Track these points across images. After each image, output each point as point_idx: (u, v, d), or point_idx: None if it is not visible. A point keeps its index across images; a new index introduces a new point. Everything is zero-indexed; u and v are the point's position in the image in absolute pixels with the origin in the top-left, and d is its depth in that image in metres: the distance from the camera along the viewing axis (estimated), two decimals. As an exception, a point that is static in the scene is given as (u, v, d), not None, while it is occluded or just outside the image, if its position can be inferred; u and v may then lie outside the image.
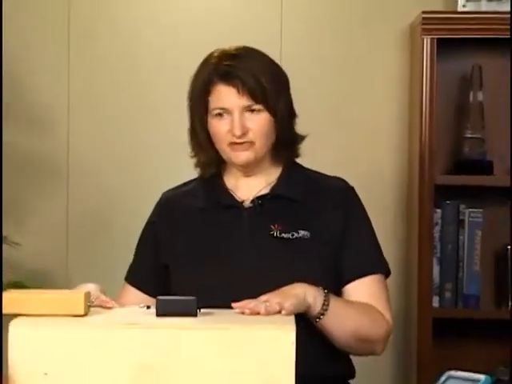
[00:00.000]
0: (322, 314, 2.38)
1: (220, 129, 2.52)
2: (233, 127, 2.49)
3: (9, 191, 3.74)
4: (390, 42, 3.75)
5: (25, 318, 2.14)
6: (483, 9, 3.55)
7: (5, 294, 2.19)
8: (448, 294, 3.61)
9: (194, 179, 2.68)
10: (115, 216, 3.73)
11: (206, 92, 2.52)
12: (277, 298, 2.23)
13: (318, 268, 2.50)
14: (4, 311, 2.15)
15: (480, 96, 3.62)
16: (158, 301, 2.21)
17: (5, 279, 3.29)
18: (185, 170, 2.67)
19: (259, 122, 2.51)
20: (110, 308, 2.32)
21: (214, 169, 2.62)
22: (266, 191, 2.58)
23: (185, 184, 2.70)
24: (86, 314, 2.19)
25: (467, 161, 3.61)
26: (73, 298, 2.20)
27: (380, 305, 2.54)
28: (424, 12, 3.51)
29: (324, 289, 2.39)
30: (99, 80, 3.78)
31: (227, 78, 2.49)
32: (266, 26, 3.75)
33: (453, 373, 2.24)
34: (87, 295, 2.21)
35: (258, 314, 2.17)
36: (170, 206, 2.66)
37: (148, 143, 3.76)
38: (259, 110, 2.51)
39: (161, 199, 2.70)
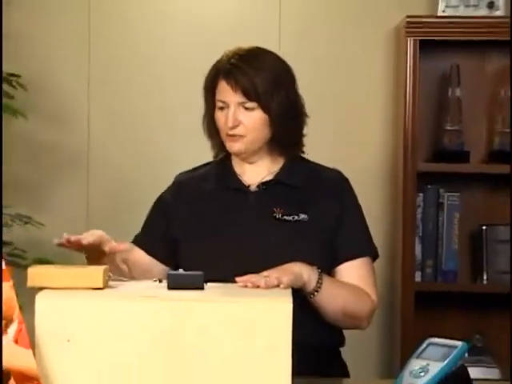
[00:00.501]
0: (316, 291, 2.40)
1: (220, 120, 2.54)
2: (227, 119, 2.51)
3: (34, 177, 3.75)
4: (377, 43, 3.75)
5: (49, 290, 2.15)
6: (461, 13, 3.55)
7: (31, 269, 2.19)
8: (429, 270, 3.62)
9: (207, 163, 2.69)
10: (131, 199, 3.73)
11: (213, 86, 2.55)
12: (276, 274, 2.25)
13: (315, 248, 2.51)
14: (31, 284, 2.16)
15: (458, 92, 3.62)
16: (169, 275, 2.22)
17: (30, 256, 3.31)
18: (196, 156, 2.69)
19: (251, 119, 2.52)
20: (122, 250, 2.33)
21: (224, 152, 2.63)
22: (269, 178, 2.59)
23: (197, 168, 2.70)
24: (104, 287, 2.20)
25: (446, 150, 3.62)
26: (92, 272, 2.21)
27: (367, 286, 2.56)
28: (408, 16, 3.51)
29: (318, 268, 2.41)
30: (117, 75, 3.78)
31: (227, 75, 2.51)
32: (265, 27, 3.75)
33: (433, 340, 2.24)
34: (106, 270, 2.22)
35: (259, 287, 2.19)
36: (183, 187, 2.66)
37: (162, 132, 3.76)
38: (253, 108, 2.52)
39: (175, 181, 2.70)
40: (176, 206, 2.63)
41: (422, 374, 2.15)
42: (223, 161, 2.64)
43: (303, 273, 2.37)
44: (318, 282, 2.41)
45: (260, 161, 2.61)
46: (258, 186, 2.58)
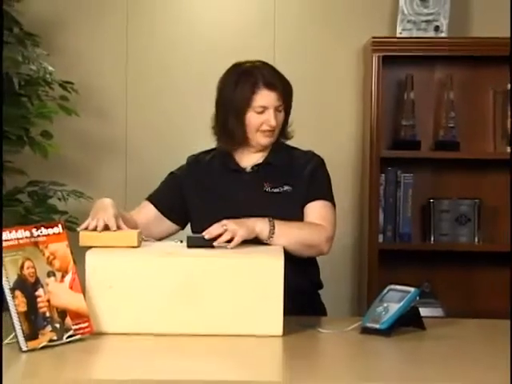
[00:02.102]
0: (271, 237, 2.36)
1: (257, 120, 2.49)
2: (269, 120, 2.48)
3: (84, 162, 3.75)
4: (350, 57, 3.72)
5: (96, 249, 2.16)
6: (414, 35, 3.53)
7: (82, 233, 2.20)
8: (389, 233, 3.61)
9: (211, 149, 2.65)
10: (160, 176, 3.71)
11: (252, 93, 2.48)
12: (233, 226, 2.28)
13: (297, 211, 2.50)
14: (82, 244, 2.17)
15: (412, 95, 3.61)
16: (187, 237, 2.24)
17: (81, 222, 3.29)
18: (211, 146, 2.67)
19: (280, 118, 2.53)
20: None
21: (236, 147, 2.58)
22: (260, 161, 2.58)
23: (204, 152, 2.66)
24: (138, 246, 2.20)
25: (403, 140, 3.61)
26: (129, 234, 2.22)
27: (324, 221, 2.49)
28: (373, 37, 3.49)
29: (271, 219, 2.38)
30: (149, 80, 3.75)
31: (269, 85, 2.48)
32: (261, 36, 3.73)
33: (392, 286, 2.24)
34: (139, 233, 2.23)
35: (220, 235, 2.25)
36: (195, 166, 2.62)
37: (186, 125, 3.73)
38: (281, 110, 2.52)
39: (188, 161, 2.66)
40: (187, 181, 2.59)
41: (384, 313, 2.16)
42: (225, 150, 2.60)
43: (256, 226, 2.34)
44: (270, 231, 2.36)
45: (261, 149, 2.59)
46: (251, 168, 2.57)
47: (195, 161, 2.65)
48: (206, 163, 2.62)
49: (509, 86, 3.56)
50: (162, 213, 2.59)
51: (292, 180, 2.53)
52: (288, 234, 2.39)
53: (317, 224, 2.47)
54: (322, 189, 2.56)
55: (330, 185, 2.59)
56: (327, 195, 2.56)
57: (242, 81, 2.50)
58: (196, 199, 2.57)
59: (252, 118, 2.50)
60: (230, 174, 2.57)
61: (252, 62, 2.56)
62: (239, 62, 2.57)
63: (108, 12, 3.74)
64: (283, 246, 2.32)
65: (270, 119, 2.48)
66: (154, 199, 2.62)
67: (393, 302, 2.18)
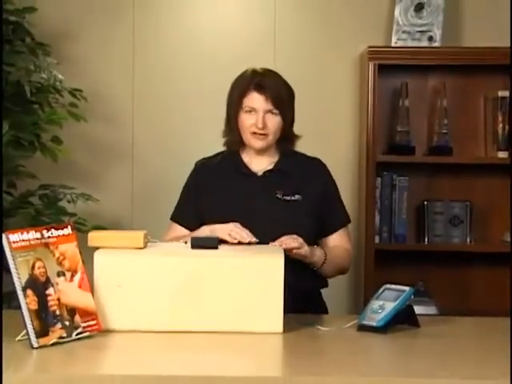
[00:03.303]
0: (322, 266, 2.47)
1: (247, 121, 2.51)
2: (257, 122, 2.49)
3: (92, 166, 3.74)
4: (347, 66, 3.72)
5: (104, 249, 2.15)
6: (409, 44, 3.54)
7: (90, 234, 2.19)
8: (385, 234, 3.61)
9: (219, 153, 2.64)
10: (165, 181, 3.71)
11: (243, 95, 2.51)
12: (302, 240, 2.35)
13: (306, 220, 2.51)
14: (90, 245, 2.16)
15: (406, 102, 3.60)
16: (192, 238, 2.23)
17: (90, 224, 3.30)
18: (217, 150, 2.66)
19: (274, 122, 2.51)
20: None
21: (237, 147, 2.59)
22: (270, 167, 2.57)
23: (212, 156, 2.65)
24: (144, 247, 2.20)
25: (398, 146, 3.60)
26: (135, 236, 2.21)
27: (347, 243, 2.62)
28: (369, 46, 3.49)
29: (325, 253, 2.48)
30: (154, 88, 3.75)
31: (259, 88, 2.49)
32: (262, 45, 3.73)
33: (388, 286, 2.24)
34: (145, 234, 2.22)
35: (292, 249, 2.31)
36: (204, 170, 2.61)
37: (190, 132, 3.73)
38: (276, 114, 2.51)
39: (195, 166, 2.64)
40: (199, 185, 2.58)
41: (380, 311, 2.15)
42: (233, 152, 2.60)
43: (315, 253, 2.44)
44: (323, 263, 2.47)
45: (266, 153, 2.58)
46: (263, 173, 2.56)
47: (203, 164, 2.64)
48: (215, 165, 2.60)
49: (499, 93, 3.56)
50: (191, 229, 2.54)
51: (303, 190, 2.54)
52: (332, 263, 2.51)
53: (346, 249, 2.61)
54: (342, 211, 2.64)
55: (340, 196, 2.66)
56: (344, 216, 2.65)
57: (235, 84, 2.56)
58: (209, 200, 2.55)
59: (243, 119, 2.52)
60: (240, 177, 2.56)
61: (256, 68, 2.56)
62: (248, 68, 2.59)
63: (115, 22, 3.74)
64: (323, 273, 2.49)
65: (258, 121, 2.48)
66: (179, 219, 2.60)
67: (388, 300, 2.17)
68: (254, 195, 2.52)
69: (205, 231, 2.43)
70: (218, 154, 2.64)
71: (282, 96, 2.52)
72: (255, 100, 2.50)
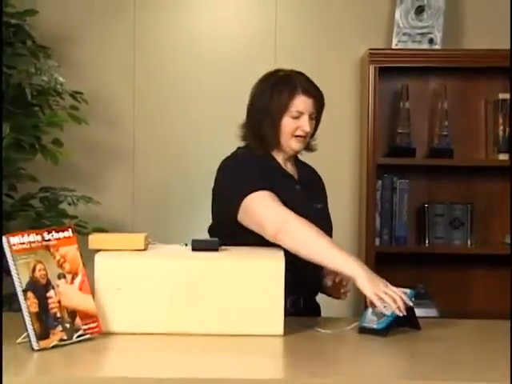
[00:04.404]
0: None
1: (292, 125, 2.43)
2: (304, 125, 2.43)
3: (93, 168, 3.74)
4: (348, 68, 3.73)
5: (105, 251, 2.15)
6: (409, 47, 3.54)
7: (91, 236, 2.19)
8: (385, 236, 3.61)
9: (248, 155, 2.47)
10: (165, 184, 3.72)
11: (290, 98, 2.42)
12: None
13: (331, 231, 2.51)
14: (91, 247, 2.16)
15: (407, 105, 3.61)
16: (193, 241, 2.22)
17: (90, 226, 3.30)
18: (217, 156, 2.53)
19: (312, 126, 2.48)
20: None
21: (269, 150, 2.48)
22: (295, 173, 2.53)
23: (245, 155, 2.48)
24: (145, 249, 2.20)
25: (398, 148, 3.61)
26: (136, 238, 2.21)
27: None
28: (370, 49, 3.49)
29: None
30: (155, 90, 3.76)
31: (307, 91, 2.43)
32: (263, 48, 3.73)
33: (388, 288, 2.24)
34: (146, 237, 2.22)
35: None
36: (271, 163, 2.48)
37: (192, 136, 3.73)
38: (314, 118, 2.48)
39: (263, 154, 2.47)
40: (272, 173, 2.44)
41: (380, 313, 2.15)
42: (267, 154, 2.49)
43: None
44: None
45: (292, 158, 2.55)
46: (298, 179, 2.52)
47: (266, 155, 2.49)
48: (261, 158, 2.47)
49: (500, 95, 3.57)
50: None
51: (320, 199, 2.56)
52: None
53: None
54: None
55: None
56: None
57: (280, 87, 2.44)
58: (279, 192, 2.37)
59: (288, 123, 2.43)
60: (286, 177, 2.49)
61: (284, 70, 2.50)
62: (272, 71, 2.51)
63: (116, 25, 3.75)
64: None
65: (305, 125, 2.43)
66: (267, 187, 2.34)
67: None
68: (297, 199, 2.43)
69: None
70: (247, 155, 2.48)
71: (321, 101, 2.49)
72: (303, 103, 2.43)
